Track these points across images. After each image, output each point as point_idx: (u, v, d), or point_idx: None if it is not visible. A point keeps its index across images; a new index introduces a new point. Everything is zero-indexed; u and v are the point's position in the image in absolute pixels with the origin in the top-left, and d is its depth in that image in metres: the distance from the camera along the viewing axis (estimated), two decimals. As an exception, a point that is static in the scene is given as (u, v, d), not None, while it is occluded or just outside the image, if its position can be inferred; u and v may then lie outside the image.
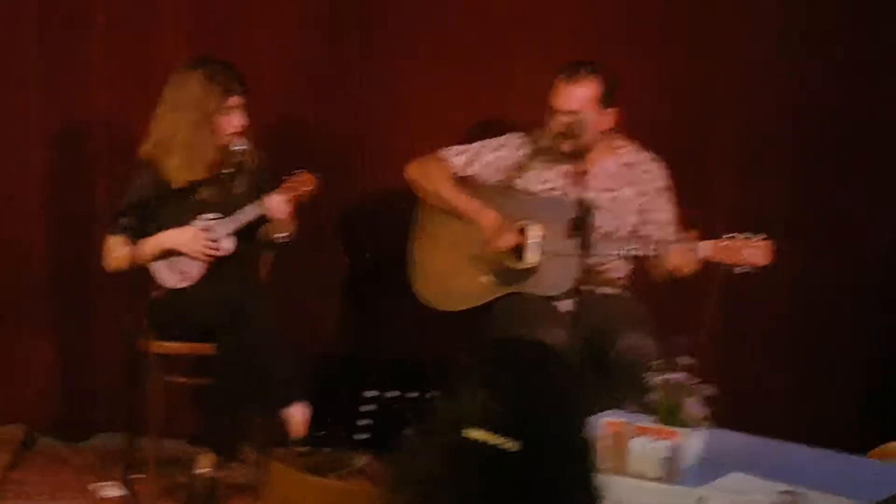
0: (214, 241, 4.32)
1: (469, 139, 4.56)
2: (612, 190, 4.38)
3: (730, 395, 3.18)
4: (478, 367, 1.87)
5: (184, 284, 4.36)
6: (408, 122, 4.91)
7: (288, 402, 4.20)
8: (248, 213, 4.34)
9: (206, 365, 4.34)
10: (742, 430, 3.27)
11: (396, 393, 3.45)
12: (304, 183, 4.36)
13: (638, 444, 2.95)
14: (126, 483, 4.33)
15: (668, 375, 3.01)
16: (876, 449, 3.47)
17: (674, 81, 4.84)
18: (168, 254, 4.33)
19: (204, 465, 4.28)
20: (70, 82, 4.87)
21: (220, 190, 4.38)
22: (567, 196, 4.34)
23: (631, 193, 4.40)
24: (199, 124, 4.30)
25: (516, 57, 4.89)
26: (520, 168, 4.44)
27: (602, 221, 4.27)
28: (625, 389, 3.62)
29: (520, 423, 1.79)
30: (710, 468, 2.98)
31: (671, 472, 2.92)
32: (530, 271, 4.34)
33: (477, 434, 1.78)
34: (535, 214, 4.35)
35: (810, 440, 3.33)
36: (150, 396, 4.35)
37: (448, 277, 4.48)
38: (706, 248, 4.07)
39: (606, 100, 4.29)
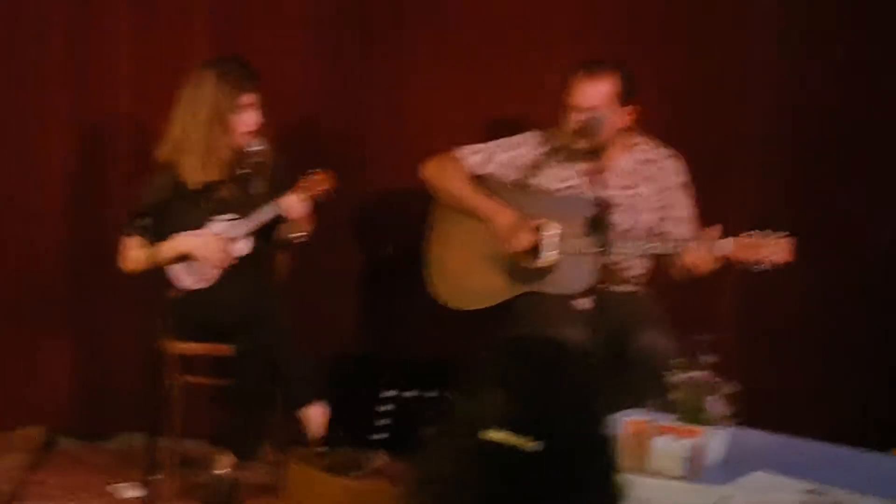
0: (231, 243, 4.32)
1: (483, 138, 4.55)
2: (630, 187, 4.37)
3: (749, 393, 3.16)
4: (496, 367, 1.86)
5: (201, 285, 4.36)
6: (423, 121, 4.90)
7: (306, 401, 4.20)
8: (264, 214, 4.34)
9: (224, 365, 4.34)
10: (762, 429, 3.26)
11: (414, 392, 3.43)
12: (321, 182, 4.36)
13: (660, 443, 2.94)
14: (145, 483, 4.32)
15: (689, 373, 3.00)
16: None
17: (674, 81, 4.82)
18: (184, 257, 4.33)
19: (223, 466, 4.29)
20: (95, 84, 4.87)
21: (236, 190, 4.38)
22: (584, 194, 4.33)
23: (648, 191, 4.39)
24: (213, 124, 4.30)
25: (530, 55, 4.89)
26: (536, 167, 4.43)
27: (620, 219, 4.26)
28: (643, 388, 3.60)
29: (540, 423, 1.78)
30: (732, 467, 2.97)
31: (694, 470, 2.92)
32: (547, 270, 4.33)
33: (497, 434, 1.77)
34: (551, 213, 4.34)
35: (831, 438, 3.32)
36: (168, 397, 4.35)
37: (464, 277, 4.47)
38: (726, 246, 4.04)
39: (624, 97, 4.28)
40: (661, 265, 4.37)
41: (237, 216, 4.36)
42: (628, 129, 4.38)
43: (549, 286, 4.33)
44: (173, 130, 4.35)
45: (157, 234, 4.22)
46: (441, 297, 4.48)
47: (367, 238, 5.01)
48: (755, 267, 4.02)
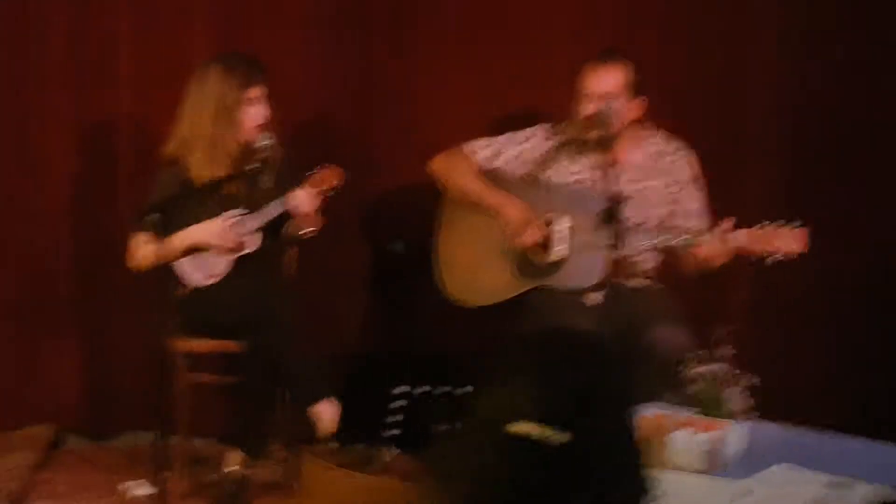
0: (240, 230, 4.29)
1: (490, 132, 4.52)
2: (641, 181, 4.34)
3: (765, 386, 3.14)
4: (522, 359, 1.83)
5: (209, 282, 4.33)
6: (428, 117, 4.88)
7: (316, 398, 4.17)
8: (274, 209, 4.31)
9: (232, 363, 4.31)
10: (779, 421, 3.23)
11: (426, 388, 3.40)
12: (331, 177, 4.33)
13: (680, 437, 2.91)
14: (155, 482, 4.29)
15: (708, 366, 2.97)
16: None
17: (674, 81, 4.79)
18: (194, 249, 4.30)
19: (232, 464, 4.26)
20: (96, 84, 4.83)
21: (244, 186, 4.35)
22: (595, 188, 4.30)
23: (660, 184, 4.36)
24: (220, 118, 4.26)
25: (533, 51, 4.87)
26: (546, 160, 4.40)
27: (631, 213, 4.22)
28: (657, 382, 3.57)
29: (567, 415, 1.75)
30: (752, 460, 2.94)
31: (714, 464, 2.89)
32: (557, 264, 4.30)
33: (524, 427, 1.74)
34: (562, 207, 4.31)
35: (844, 430, 3.29)
36: (177, 395, 4.32)
37: (474, 272, 4.44)
38: (740, 237, 4.01)
39: (635, 87, 4.25)
40: (671, 259, 4.34)
41: (245, 212, 4.33)
42: (638, 122, 4.35)
43: (560, 281, 4.30)
44: (180, 126, 4.32)
45: (166, 231, 4.19)
46: (451, 293, 4.45)
47: (375, 235, 4.97)
48: (769, 259, 3.99)
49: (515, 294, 4.35)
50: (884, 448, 3.17)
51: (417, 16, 4.91)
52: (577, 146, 4.36)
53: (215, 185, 4.29)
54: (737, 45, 4.81)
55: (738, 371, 2.99)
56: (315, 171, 4.32)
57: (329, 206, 4.38)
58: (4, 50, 4.81)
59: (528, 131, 4.45)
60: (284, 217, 4.37)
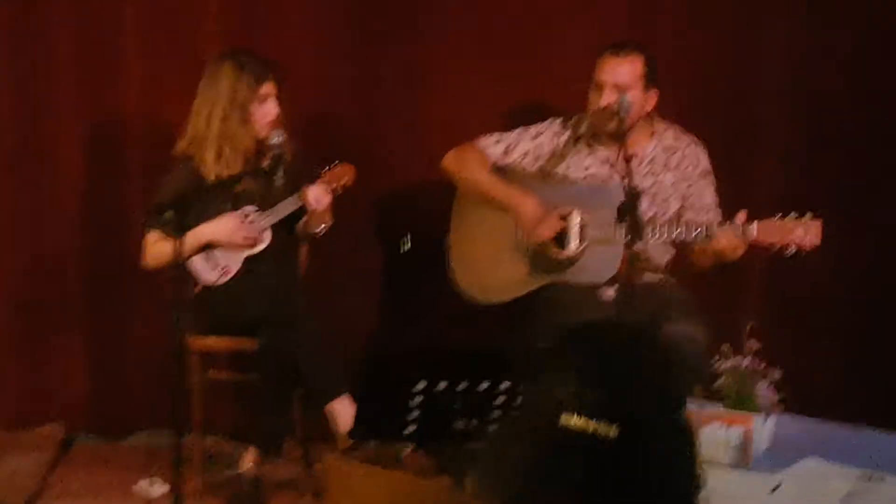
0: (253, 225, 4.28)
1: (503, 127, 4.50)
2: (654, 174, 4.33)
3: (789, 379, 3.13)
4: (569, 352, 1.81)
5: (223, 280, 4.31)
6: (439, 112, 4.85)
7: (332, 396, 4.15)
8: (287, 206, 4.30)
9: (248, 361, 4.29)
10: (805, 415, 3.22)
11: (444, 385, 3.38)
12: (344, 174, 4.31)
13: (708, 432, 2.89)
14: (170, 481, 4.28)
15: (735, 360, 2.96)
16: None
17: (689, 66, 4.79)
18: (207, 246, 4.28)
19: (248, 462, 4.25)
20: (104, 80, 4.81)
21: (257, 183, 4.33)
22: (609, 182, 4.29)
23: (672, 178, 4.35)
24: (232, 115, 4.25)
25: (546, 43, 4.85)
26: (560, 155, 4.38)
27: (645, 207, 4.21)
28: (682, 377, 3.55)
29: (617, 409, 1.73)
30: (781, 454, 2.93)
31: (744, 459, 2.88)
32: (572, 260, 4.28)
33: (574, 421, 1.73)
34: (576, 202, 4.29)
35: (872, 424, 3.28)
36: (192, 393, 4.30)
37: (487, 269, 4.42)
38: (754, 230, 4.01)
39: (650, 79, 4.24)
40: (685, 253, 4.34)
41: (260, 209, 4.31)
42: (650, 115, 4.34)
43: (575, 276, 4.28)
44: (191, 123, 4.30)
45: (179, 229, 4.15)
46: (464, 290, 4.43)
47: (387, 233, 4.94)
48: (786, 251, 3.98)
49: (530, 290, 4.33)
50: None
51: (425, 11, 4.89)
52: (590, 140, 4.35)
53: (228, 183, 4.27)
54: (747, 36, 4.81)
55: (764, 365, 2.98)
56: (328, 167, 4.31)
57: (339, 203, 4.36)
58: (12, 45, 4.78)
59: (541, 125, 4.44)
60: (297, 214, 4.35)
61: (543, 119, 4.45)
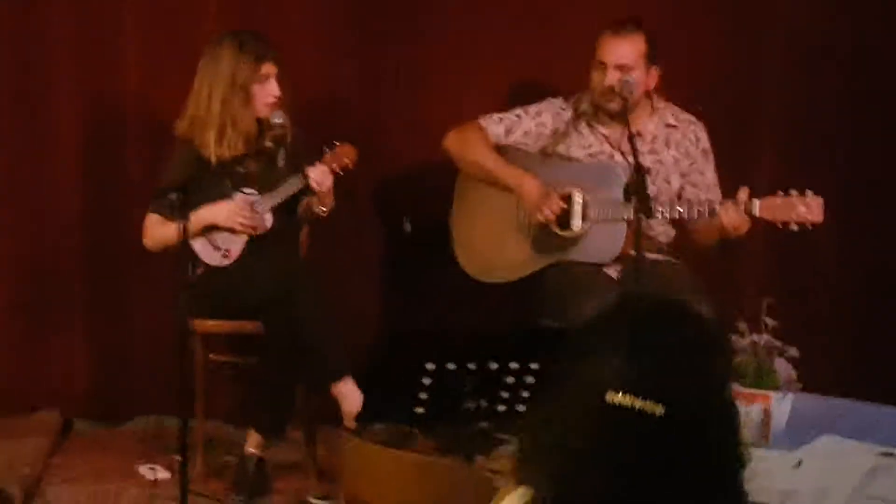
0: (256, 214, 4.24)
1: (504, 107, 4.47)
2: (656, 153, 4.32)
3: (804, 357, 3.12)
4: (615, 329, 1.79)
5: (226, 263, 4.28)
6: (441, 91, 4.82)
7: (338, 377, 4.12)
8: (290, 187, 4.26)
9: (251, 344, 4.26)
10: (820, 393, 3.22)
11: (454, 366, 3.36)
12: (346, 154, 4.28)
13: (727, 410, 2.88)
14: (173, 465, 4.26)
15: (752, 338, 2.95)
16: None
17: (690, 42, 4.76)
18: (208, 230, 4.24)
19: (251, 446, 4.22)
20: (102, 59, 4.76)
21: (260, 165, 4.30)
22: (612, 160, 4.28)
23: (673, 156, 4.34)
24: (233, 96, 4.20)
25: (546, 23, 4.82)
26: (561, 134, 4.37)
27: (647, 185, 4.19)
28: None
29: (663, 386, 1.71)
30: (799, 432, 2.91)
31: (762, 436, 2.87)
32: (576, 239, 4.27)
33: (619, 398, 1.70)
34: (578, 181, 4.27)
35: (888, 401, 3.29)
36: (197, 377, 4.26)
37: (491, 249, 4.40)
38: (759, 207, 4.01)
39: (651, 57, 4.22)
40: (688, 231, 4.33)
41: (262, 190, 4.27)
42: (650, 93, 4.32)
43: (579, 255, 4.27)
44: (192, 105, 4.25)
45: (183, 212, 4.11)
46: (468, 270, 4.41)
47: (387, 214, 4.91)
48: (789, 228, 3.99)
49: (534, 270, 4.32)
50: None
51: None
52: (592, 119, 4.33)
53: (230, 164, 4.23)
54: (750, 14, 4.79)
55: (780, 343, 2.97)
56: (330, 148, 4.27)
57: (340, 184, 4.33)
58: (10, 30, 4.73)
59: (542, 104, 4.41)
60: (299, 196, 4.32)
61: (544, 97, 4.43)
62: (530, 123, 4.38)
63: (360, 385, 4.05)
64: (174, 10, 4.76)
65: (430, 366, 3.37)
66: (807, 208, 4.00)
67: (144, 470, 4.32)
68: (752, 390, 2.91)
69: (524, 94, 4.58)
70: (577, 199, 4.24)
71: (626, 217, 4.14)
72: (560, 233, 4.26)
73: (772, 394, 2.91)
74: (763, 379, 2.91)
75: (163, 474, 4.21)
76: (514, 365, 3.35)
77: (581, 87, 4.33)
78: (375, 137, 4.77)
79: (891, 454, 2.71)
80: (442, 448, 4.07)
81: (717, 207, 4.08)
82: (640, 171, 3.86)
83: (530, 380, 3.36)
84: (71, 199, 4.81)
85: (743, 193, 4.05)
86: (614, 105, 4.19)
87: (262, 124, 4.27)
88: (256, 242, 4.28)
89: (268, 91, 4.24)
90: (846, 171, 4.71)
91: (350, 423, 4.05)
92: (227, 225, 4.24)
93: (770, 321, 2.98)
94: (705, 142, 4.37)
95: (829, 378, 3.84)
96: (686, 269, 4.32)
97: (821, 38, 4.77)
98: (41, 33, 4.74)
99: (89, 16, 4.73)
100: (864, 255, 4.79)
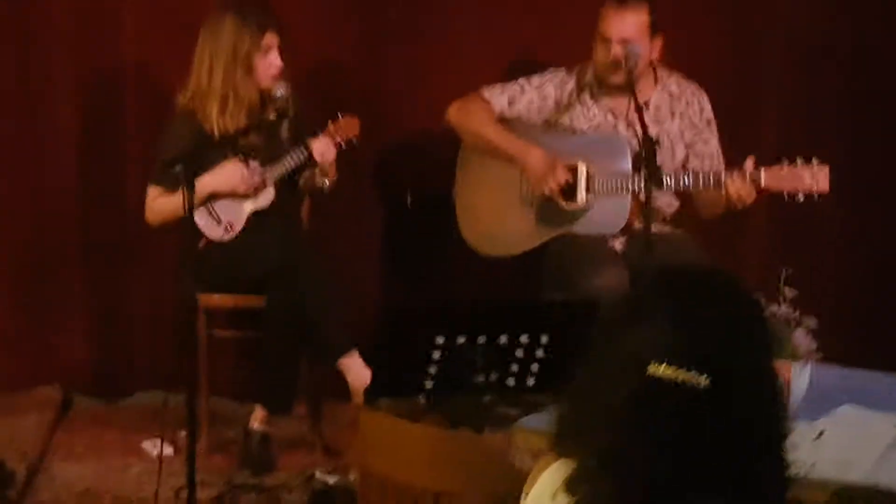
0: (255, 171, 4.19)
1: (506, 77, 4.43)
2: (660, 122, 4.29)
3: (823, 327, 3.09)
4: (653, 300, 1.76)
5: (228, 237, 4.23)
6: (442, 62, 4.77)
7: (344, 351, 4.09)
8: (293, 159, 4.22)
9: (255, 318, 4.23)
10: (839, 363, 3.20)
11: (462, 339, 3.33)
12: (349, 126, 4.24)
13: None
14: (177, 441, 4.22)
15: (770, 308, 2.92)
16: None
17: (688, 21, 4.73)
18: (211, 198, 4.19)
19: (256, 421, 4.19)
20: (99, 31, 4.70)
21: (263, 137, 4.25)
22: (617, 131, 4.25)
23: (678, 125, 4.31)
24: (236, 67, 4.16)
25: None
26: (565, 105, 4.33)
27: (651, 155, 4.16)
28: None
29: (707, 358, 1.68)
30: (818, 402, 2.90)
31: (783, 407, 2.84)
32: (581, 211, 4.24)
33: (662, 371, 1.68)
34: (584, 152, 4.24)
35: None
36: (200, 352, 4.22)
37: (495, 223, 4.37)
38: (767, 176, 3.99)
39: (654, 26, 4.19)
40: (693, 202, 4.31)
41: (265, 163, 4.23)
42: (655, 63, 4.29)
43: (585, 227, 4.24)
44: (194, 77, 4.20)
45: (190, 184, 4.04)
46: (472, 244, 4.38)
47: (391, 187, 4.86)
48: (795, 198, 3.97)
49: (539, 243, 4.29)
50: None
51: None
52: (595, 90, 4.30)
53: (232, 137, 4.17)
54: (750, 14, 4.77)
55: (799, 312, 2.95)
56: (334, 119, 4.23)
57: (344, 157, 4.29)
58: (5, 4, 4.66)
59: (545, 75, 4.37)
60: (301, 168, 4.28)
61: (546, 68, 4.39)
62: (534, 94, 4.35)
63: (367, 359, 4.02)
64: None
65: (439, 339, 3.32)
66: (813, 177, 3.98)
67: (148, 446, 4.28)
68: (771, 361, 2.88)
69: (528, 63, 4.54)
70: (582, 170, 4.21)
71: (631, 189, 4.12)
72: (564, 205, 4.23)
73: (791, 364, 2.88)
74: (781, 350, 2.89)
75: (167, 450, 4.16)
76: (524, 339, 3.32)
77: (583, 59, 4.29)
78: (376, 108, 4.72)
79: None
80: (450, 422, 4.06)
81: (724, 178, 4.06)
82: (649, 142, 3.82)
83: (540, 353, 3.34)
84: (69, 173, 4.76)
85: (749, 163, 4.03)
86: (618, 78, 4.16)
87: (265, 96, 4.22)
88: (259, 217, 4.24)
89: (270, 62, 4.19)
90: (845, 171, 4.67)
91: (358, 397, 4.02)
92: (230, 188, 4.18)
93: (788, 291, 2.96)
94: (709, 111, 4.35)
95: (841, 349, 3.82)
96: (691, 240, 4.30)
97: (821, 38, 4.75)
98: (38, 5, 4.68)
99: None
100: (871, 229, 4.78)
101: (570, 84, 4.34)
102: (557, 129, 4.33)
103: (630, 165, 4.14)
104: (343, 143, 4.22)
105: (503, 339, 3.31)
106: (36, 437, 4.36)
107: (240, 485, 4.02)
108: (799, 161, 4.00)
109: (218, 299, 4.25)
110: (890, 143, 4.77)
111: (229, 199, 4.22)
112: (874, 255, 4.79)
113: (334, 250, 4.53)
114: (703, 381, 1.67)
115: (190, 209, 3.60)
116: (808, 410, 2.86)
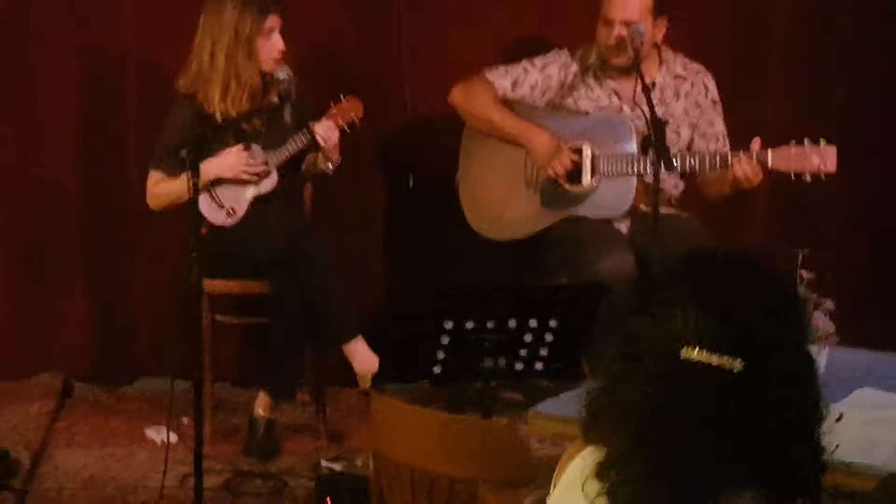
0: (259, 162, 4.14)
1: (509, 59, 4.39)
2: (665, 104, 4.26)
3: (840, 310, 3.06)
4: (685, 284, 1.72)
5: (231, 222, 4.18)
6: (445, 44, 4.72)
7: (350, 336, 4.05)
8: (296, 143, 4.17)
9: (258, 304, 4.19)
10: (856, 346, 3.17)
11: (471, 323, 3.30)
12: (352, 109, 4.19)
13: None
14: (180, 428, 4.19)
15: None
16: None
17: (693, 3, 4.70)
18: (214, 184, 4.14)
19: (261, 407, 4.15)
20: (99, 12, 4.64)
21: (265, 121, 4.20)
22: (619, 114, 4.21)
23: (683, 106, 4.29)
24: (237, 50, 4.09)
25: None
26: (568, 87, 4.29)
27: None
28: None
29: (742, 342, 1.65)
30: (836, 385, 2.86)
31: (801, 390, 2.81)
32: (587, 193, 4.20)
33: (696, 354, 1.65)
34: (586, 134, 4.21)
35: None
36: (204, 339, 4.18)
37: (500, 206, 4.34)
38: (774, 157, 3.96)
39: (658, 8, 4.15)
40: (700, 183, 4.28)
41: (268, 147, 4.18)
42: (659, 45, 4.25)
43: (589, 210, 4.21)
44: (194, 60, 4.14)
45: (196, 168, 3.99)
46: (477, 227, 4.34)
47: (393, 170, 4.82)
48: (802, 179, 3.95)
49: (545, 226, 4.26)
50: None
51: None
52: (600, 72, 4.26)
53: (234, 121, 4.12)
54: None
55: (817, 295, 2.92)
56: (336, 102, 4.18)
57: (347, 139, 4.24)
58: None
59: (548, 56, 4.34)
60: (304, 152, 4.23)
61: (549, 50, 4.35)
62: (537, 75, 4.31)
63: (374, 344, 3.99)
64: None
65: (447, 324, 3.29)
66: (821, 158, 3.96)
67: (152, 433, 4.25)
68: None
69: (531, 44, 4.50)
70: (587, 153, 4.18)
71: (637, 171, 4.09)
72: (569, 188, 4.20)
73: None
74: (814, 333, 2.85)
75: (171, 437, 4.12)
76: (532, 323, 3.29)
77: (586, 40, 4.25)
78: (378, 90, 4.67)
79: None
80: (458, 407, 4.04)
81: (730, 159, 4.03)
82: (658, 123, 3.78)
83: (549, 338, 3.31)
84: (69, 158, 4.71)
85: (756, 144, 4.01)
86: (621, 60, 4.13)
87: (267, 79, 4.17)
88: (262, 201, 4.19)
89: (272, 45, 4.14)
90: (852, 132, 4.65)
91: (364, 382, 4.00)
92: (231, 175, 4.14)
93: (806, 273, 2.92)
94: (714, 92, 4.32)
95: (874, 331, 3.82)
96: (697, 222, 4.27)
97: (823, 19, 4.75)
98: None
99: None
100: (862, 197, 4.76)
101: (574, 66, 4.31)
102: (561, 110, 4.30)
103: (635, 147, 4.11)
104: (346, 126, 4.17)
105: (512, 323, 3.28)
106: (38, 426, 4.34)
107: (245, 471, 3.98)
108: (806, 141, 3.97)
109: (222, 285, 4.20)
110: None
111: (231, 184, 4.16)
112: (881, 235, 4.77)
113: (337, 234, 4.49)
114: (738, 364, 1.64)
115: (195, 194, 3.56)
116: (827, 393, 2.82)
